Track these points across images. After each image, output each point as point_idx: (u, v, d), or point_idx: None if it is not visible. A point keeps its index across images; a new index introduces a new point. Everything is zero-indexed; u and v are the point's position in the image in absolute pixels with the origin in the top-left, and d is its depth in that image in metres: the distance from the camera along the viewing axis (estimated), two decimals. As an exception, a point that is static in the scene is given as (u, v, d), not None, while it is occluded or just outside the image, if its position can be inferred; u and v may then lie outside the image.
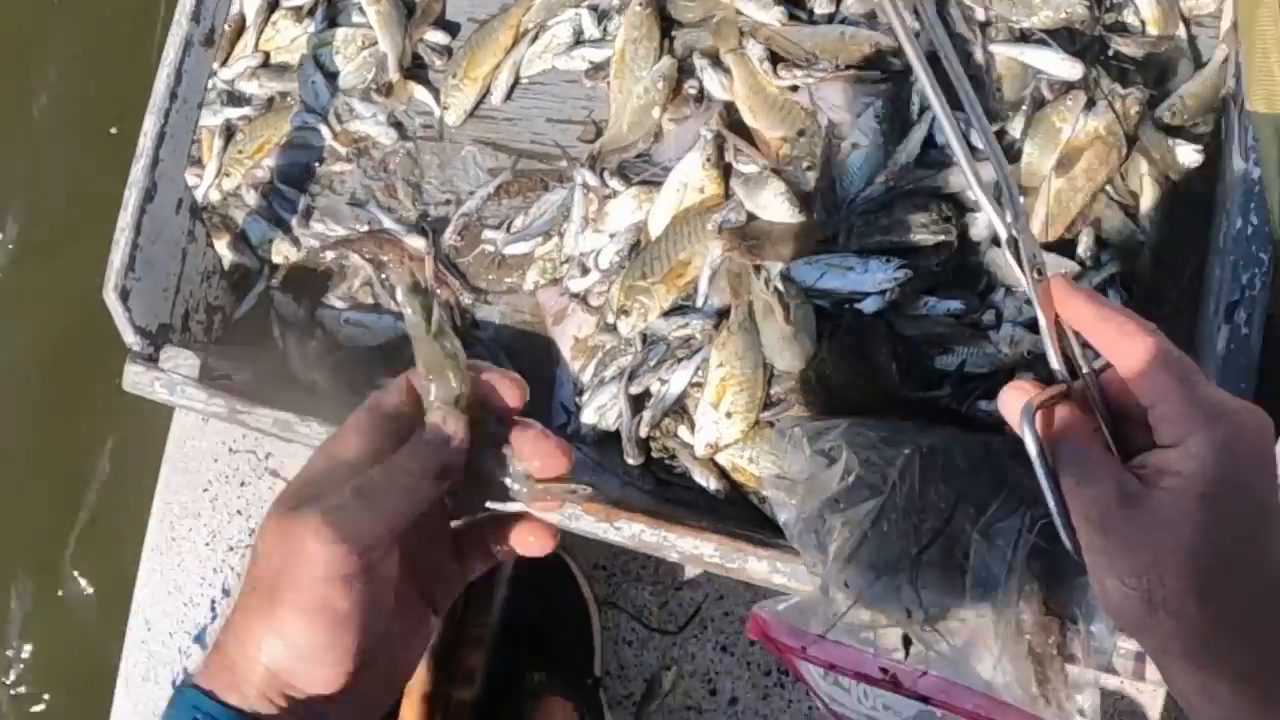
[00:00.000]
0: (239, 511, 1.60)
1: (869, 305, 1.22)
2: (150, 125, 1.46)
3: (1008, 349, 1.18)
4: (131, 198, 1.44)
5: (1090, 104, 1.23)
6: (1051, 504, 0.71)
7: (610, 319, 1.33)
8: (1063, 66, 1.23)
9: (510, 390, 0.74)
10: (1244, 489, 0.66)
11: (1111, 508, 0.67)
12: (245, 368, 1.48)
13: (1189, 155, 1.23)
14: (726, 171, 1.31)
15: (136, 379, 1.43)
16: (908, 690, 0.91)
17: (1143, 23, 1.29)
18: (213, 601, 1.61)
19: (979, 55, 1.26)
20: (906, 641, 0.98)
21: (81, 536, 2.32)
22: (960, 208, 1.24)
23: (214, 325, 1.54)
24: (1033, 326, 1.16)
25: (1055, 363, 0.74)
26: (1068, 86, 1.24)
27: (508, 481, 0.74)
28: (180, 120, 1.48)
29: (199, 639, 1.61)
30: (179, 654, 1.61)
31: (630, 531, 1.19)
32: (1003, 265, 1.22)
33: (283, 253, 1.53)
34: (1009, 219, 0.75)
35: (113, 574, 2.12)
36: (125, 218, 1.44)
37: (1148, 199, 1.23)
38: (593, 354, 1.35)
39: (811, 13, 1.33)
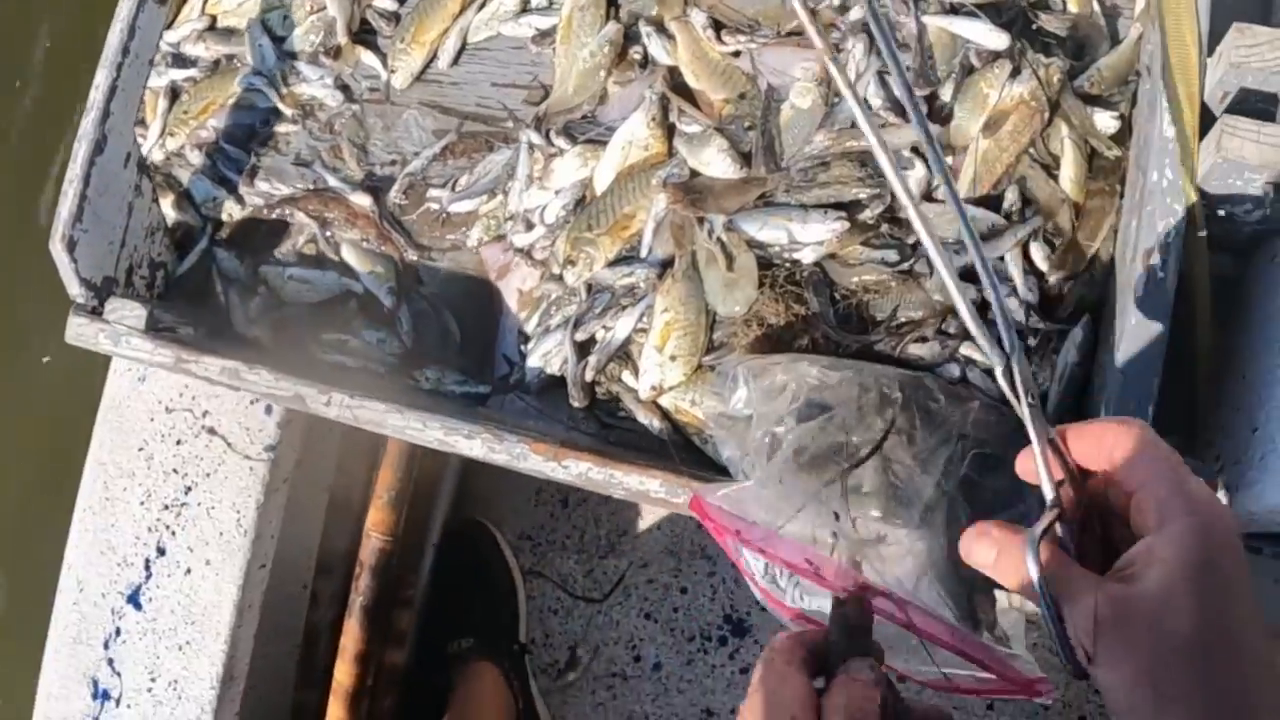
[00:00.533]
0: (175, 470, 1.60)
1: (807, 255, 1.28)
2: (102, 79, 1.46)
3: (939, 295, 1.25)
4: (81, 150, 1.45)
5: (1015, 72, 1.31)
6: (1051, 630, 0.74)
7: (556, 270, 1.37)
8: (990, 37, 1.31)
9: None
10: (1221, 572, 0.70)
11: (1105, 619, 0.70)
12: (188, 323, 1.49)
13: (1106, 121, 1.32)
14: (670, 131, 1.37)
15: (80, 331, 1.43)
16: (830, 583, 0.95)
17: (1064, 1, 1.38)
18: (146, 561, 1.60)
19: (913, 25, 1.33)
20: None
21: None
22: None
23: (156, 281, 1.55)
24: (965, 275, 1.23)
25: (1047, 489, 0.77)
26: (994, 56, 1.32)
27: None
28: (132, 75, 1.49)
29: (132, 599, 1.60)
30: (111, 614, 1.60)
31: (578, 470, 1.23)
32: (932, 219, 1.28)
33: (227, 210, 1.54)
34: (1007, 347, 0.80)
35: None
36: (74, 169, 1.44)
37: (1067, 161, 1.31)
38: (537, 304, 1.39)
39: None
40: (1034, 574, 0.73)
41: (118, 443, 1.64)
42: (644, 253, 1.33)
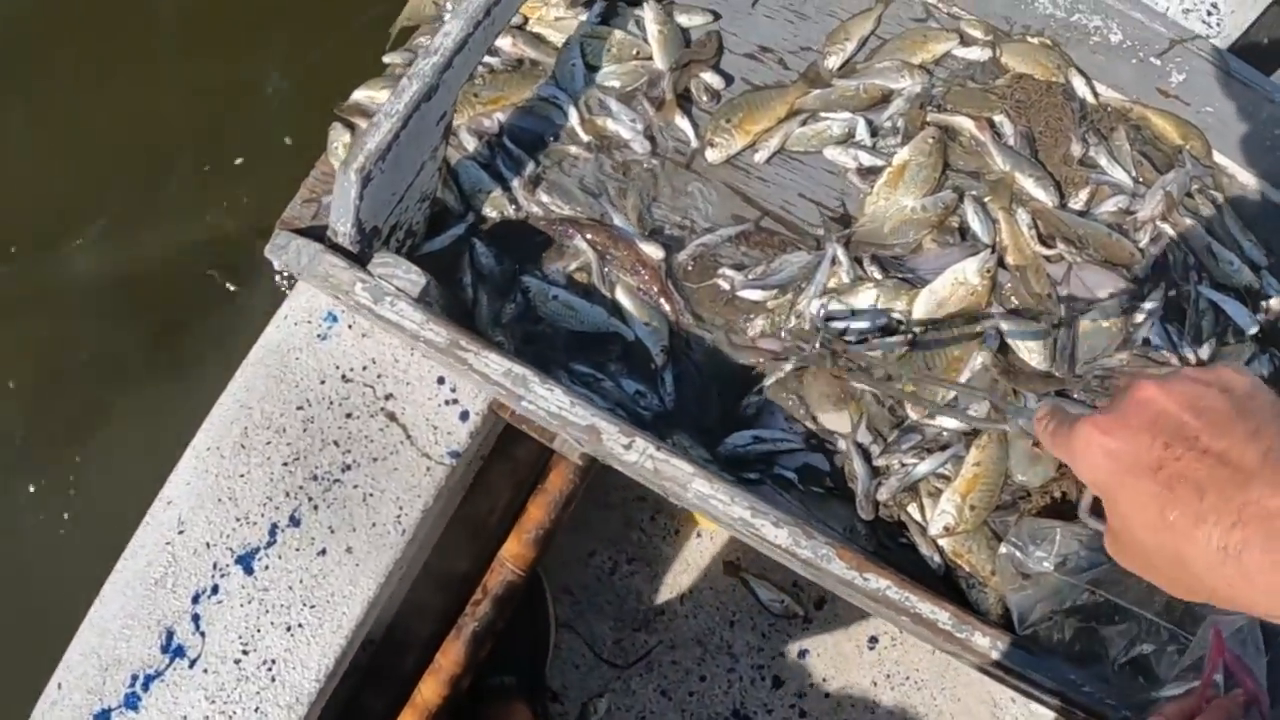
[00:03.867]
0: (336, 443, 1.49)
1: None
2: (455, 28, 1.39)
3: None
4: (411, 89, 1.36)
5: (1252, 358, 1.56)
6: None
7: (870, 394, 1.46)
8: (1247, 321, 1.56)
9: None
10: None
11: None
12: (439, 304, 1.43)
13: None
14: (993, 284, 1.51)
15: (333, 273, 1.34)
16: None
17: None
18: (273, 526, 1.46)
19: (1191, 291, 1.56)
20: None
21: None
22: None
23: (404, 249, 1.47)
24: None
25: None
26: (1242, 335, 1.57)
27: None
28: (481, 38, 1.43)
29: (243, 561, 1.45)
30: (212, 569, 1.44)
31: (876, 585, 1.28)
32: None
33: (498, 207, 1.50)
34: None
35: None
36: (397, 104, 1.35)
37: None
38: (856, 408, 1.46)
39: (1064, 205, 1.58)
40: None
41: (272, 392, 1.50)
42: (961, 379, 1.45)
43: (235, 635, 1.44)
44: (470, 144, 1.52)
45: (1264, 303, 1.62)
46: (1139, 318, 1.52)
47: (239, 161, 2.51)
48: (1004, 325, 1.48)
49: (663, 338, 1.47)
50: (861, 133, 1.58)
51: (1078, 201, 1.58)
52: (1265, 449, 0.72)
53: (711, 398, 1.47)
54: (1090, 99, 1.64)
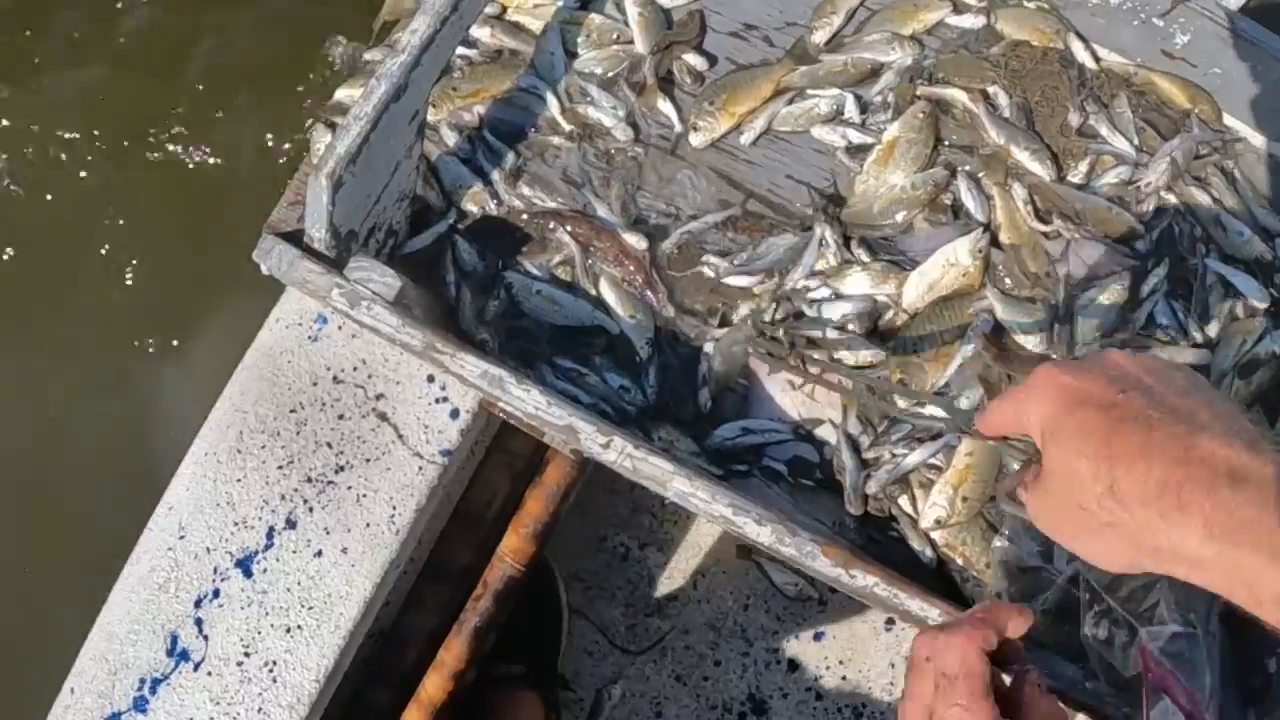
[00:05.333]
0: (329, 444, 1.49)
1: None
2: (422, 25, 1.37)
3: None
4: (379, 90, 1.35)
5: (1265, 333, 1.50)
6: None
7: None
8: (1259, 294, 1.50)
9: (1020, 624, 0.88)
10: None
11: None
12: (419, 305, 1.42)
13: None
14: (986, 265, 1.47)
15: (309, 279, 1.34)
16: None
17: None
18: (271, 529, 1.48)
19: (1199, 265, 1.50)
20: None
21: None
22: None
23: (385, 249, 1.47)
24: None
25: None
26: (1254, 311, 1.50)
27: None
28: (450, 34, 1.41)
29: (243, 564, 1.46)
30: (213, 573, 1.46)
31: (864, 581, 1.26)
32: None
33: (479, 202, 1.49)
34: None
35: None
36: (365, 107, 1.34)
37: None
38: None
39: (1063, 178, 1.52)
40: None
41: (266, 395, 1.51)
42: (944, 381, 1.41)
43: (237, 638, 1.46)
44: (451, 139, 1.50)
45: (1278, 275, 1.56)
46: (1142, 295, 1.47)
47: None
48: (998, 307, 1.44)
49: (647, 330, 1.45)
50: (850, 110, 1.54)
51: (1077, 174, 1.52)
52: (1218, 413, 0.73)
53: (701, 394, 1.45)
54: (1091, 64, 1.57)
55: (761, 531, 1.28)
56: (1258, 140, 1.59)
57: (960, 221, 1.48)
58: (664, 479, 1.29)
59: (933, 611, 1.26)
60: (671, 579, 1.95)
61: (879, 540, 1.39)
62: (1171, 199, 1.52)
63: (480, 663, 1.71)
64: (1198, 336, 1.47)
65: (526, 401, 1.32)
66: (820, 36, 1.57)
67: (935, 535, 1.37)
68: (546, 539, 1.63)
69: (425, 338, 1.33)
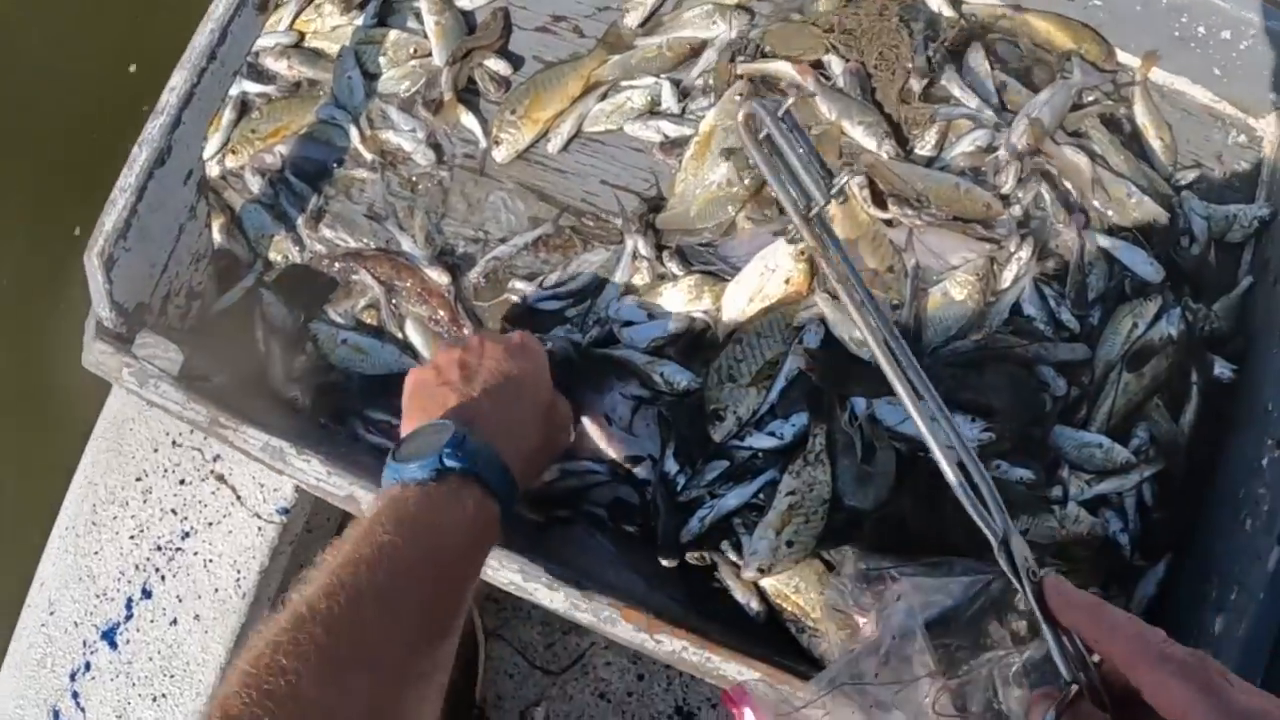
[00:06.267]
0: (173, 511, 1.48)
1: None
2: (179, 81, 1.32)
3: (1070, 526, 1.20)
4: (141, 157, 1.30)
5: (1162, 310, 1.26)
6: None
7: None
8: (1149, 269, 1.26)
9: None
10: None
11: None
12: (222, 369, 1.36)
13: (1223, 373, 1.29)
14: (813, 269, 1.29)
15: (103, 360, 1.30)
16: None
17: (1192, 239, 1.33)
18: (129, 600, 1.48)
19: (1074, 238, 1.27)
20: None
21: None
22: (1039, 379, 1.26)
23: (190, 313, 1.42)
24: (1093, 509, 1.21)
25: (1061, 665, 0.74)
26: (1144, 287, 1.27)
27: None
28: (212, 84, 1.34)
29: (107, 636, 1.48)
30: (83, 646, 1.48)
31: (671, 647, 1.14)
32: (1067, 445, 1.24)
33: (282, 251, 1.41)
34: (998, 526, 0.80)
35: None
36: (129, 178, 1.30)
37: (1192, 407, 1.27)
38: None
39: (910, 152, 1.31)
40: None
41: (113, 465, 1.50)
42: (773, 398, 1.26)
43: (110, 709, 1.48)
44: (255, 185, 1.43)
45: (1183, 238, 1.31)
46: (1004, 284, 1.26)
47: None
48: (829, 314, 1.26)
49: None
50: (667, 98, 1.37)
51: (925, 145, 1.31)
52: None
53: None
54: (947, 11, 1.34)
55: (554, 598, 1.18)
56: (1157, 76, 1.33)
57: (786, 219, 1.30)
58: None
59: (752, 674, 1.14)
60: (586, 594, 1.86)
61: (703, 594, 1.25)
62: (1041, 164, 1.29)
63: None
64: (1074, 327, 1.25)
65: (308, 473, 1.25)
66: (634, 18, 1.41)
67: (765, 584, 1.23)
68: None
69: (209, 413, 1.28)
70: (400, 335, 1.38)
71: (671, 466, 1.28)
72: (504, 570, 1.20)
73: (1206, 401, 1.29)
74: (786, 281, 1.27)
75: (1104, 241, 1.28)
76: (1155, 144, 1.36)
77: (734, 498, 1.24)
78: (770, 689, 1.06)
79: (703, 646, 1.14)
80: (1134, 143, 1.37)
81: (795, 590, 1.23)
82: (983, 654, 1.07)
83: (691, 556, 1.26)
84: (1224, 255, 1.37)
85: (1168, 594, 1.30)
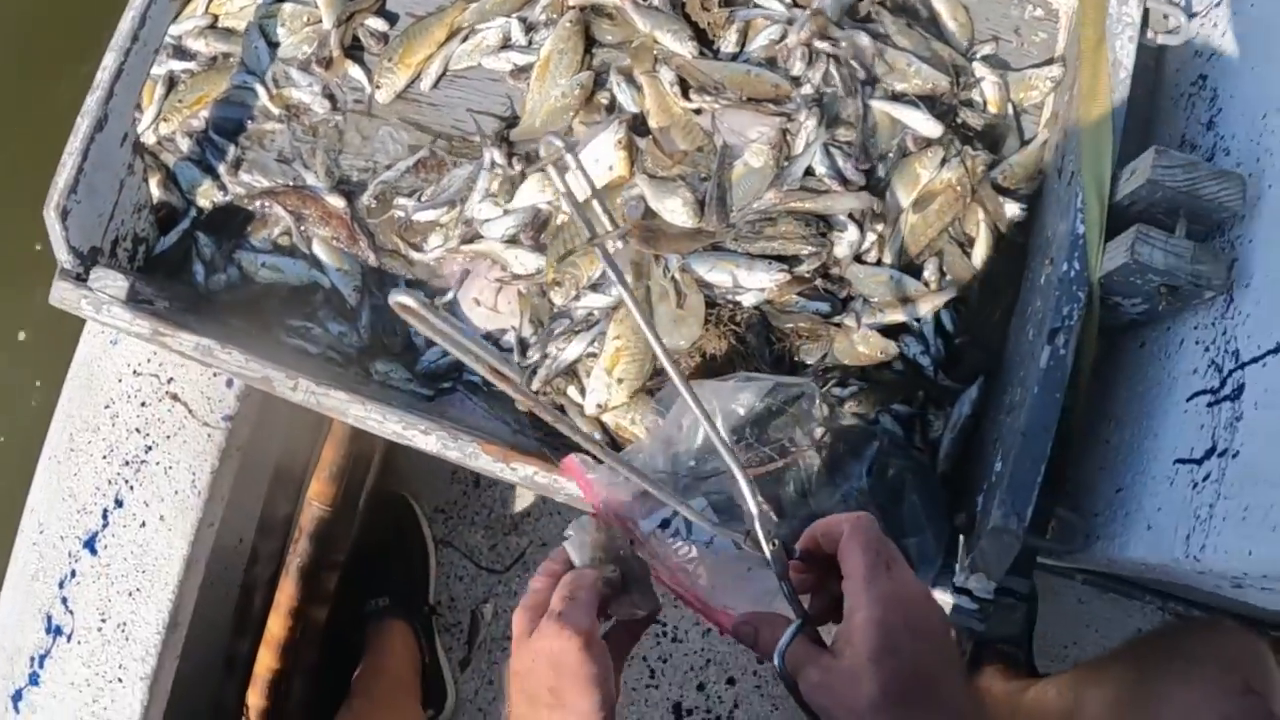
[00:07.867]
0: (137, 429, 1.73)
1: (749, 299, 1.45)
2: (110, 61, 1.58)
3: (863, 346, 1.43)
4: (83, 125, 1.56)
5: (945, 159, 1.47)
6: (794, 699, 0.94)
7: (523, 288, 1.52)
8: (927, 125, 1.49)
9: None
10: (902, 652, 0.87)
11: (819, 685, 0.90)
12: (166, 297, 1.61)
13: (1015, 211, 1.49)
14: (632, 157, 1.52)
15: (65, 295, 1.55)
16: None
17: (985, 101, 1.55)
18: (104, 511, 1.73)
19: (858, 106, 1.49)
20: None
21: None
22: (831, 227, 1.47)
23: (137, 255, 1.67)
24: (885, 332, 1.43)
25: (792, 608, 0.97)
26: (928, 142, 1.49)
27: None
28: (137, 62, 1.61)
29: (89, 544, 1.72)
30: (68, 557, 1.72)
31: (524, 472, 1.37)
32: (861, 279, 1.45)
33: (210, 197, 1.67)
34: (754, 507, 1.02)
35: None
36: (75, 143, 1.56)
37: (980, 242, 1.48)
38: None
39: (717, 51, 1.55)
40: (778, 664, 0.96)
41: (85, 399, 1.76)
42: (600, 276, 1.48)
43: (94, 609, 1.72)
44: (185, 145, 1.69)
45: (977, 100, 1.52)
46: (797, 150, 1.48)
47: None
48: (647, 191, 1.49)
49: (354, 278, 1.60)
50: (516, 34, 1.62)
51: (728, 44, 1.54)
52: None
53: (406, 327, 1.58)
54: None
55: (429, 440, 1.41)
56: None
57: (613, 117, 1.54)
58: (342, 409, 1.44)
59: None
60: (523, 497, 2.11)
61: (559, 433, 1.47)
62: (826, 47, 1.51)
63: (328, 599, 1.90)
64: (859, 180, 1.47)
65: (231, 363, 1.49)
66: (485, -27, 1.66)
67: (606, 418, 1.45)
68: (346, 478, 1.80)
69: (150, 325, 1.53)
70: (309, 253, 1.63)
71: (528, 331, 1.52)
72: (387, 423, 1.43)
73: (1002, 238, 1.50)
74: (610, 169, 1.51)
75: (885, 106, 1.50)
76: (950, 25, 1.57)
77: (574, 349, 1.47)
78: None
79: (549, 470, 1.36)
80: (933, 25, 1.59)
81: (633, 422, 1.44)
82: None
83: (544, 401, 1.49)
84: (1027, 117, 1.58)
85: (985, 414, 1.49)
